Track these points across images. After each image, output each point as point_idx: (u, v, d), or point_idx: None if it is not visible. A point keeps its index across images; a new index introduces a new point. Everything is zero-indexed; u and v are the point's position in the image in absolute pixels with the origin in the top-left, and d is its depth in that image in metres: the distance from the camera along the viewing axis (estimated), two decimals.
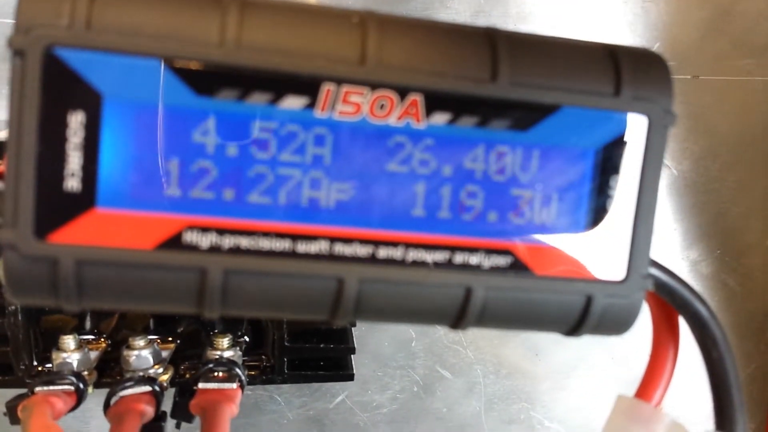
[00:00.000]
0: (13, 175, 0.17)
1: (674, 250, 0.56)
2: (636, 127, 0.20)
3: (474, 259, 0.20)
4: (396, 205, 0.19)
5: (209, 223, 0.18)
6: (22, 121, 0.17)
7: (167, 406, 0.36)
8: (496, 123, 0.20)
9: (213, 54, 0.18)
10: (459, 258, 0.20)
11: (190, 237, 0.18)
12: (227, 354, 0.36)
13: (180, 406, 0.36)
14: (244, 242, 0.19)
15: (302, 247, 0.19)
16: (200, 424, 0.32)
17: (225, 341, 0.36)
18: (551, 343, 0.55)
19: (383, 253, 0.19)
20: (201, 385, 0.34)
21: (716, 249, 0.57)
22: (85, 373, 0.34)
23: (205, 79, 0.18)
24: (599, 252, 0.21)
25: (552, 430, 0.57)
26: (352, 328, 0.40)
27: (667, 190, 0.55)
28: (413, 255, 0.20)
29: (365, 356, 0.52)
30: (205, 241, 0.18)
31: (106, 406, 0.33)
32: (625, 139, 0.20)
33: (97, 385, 0.35)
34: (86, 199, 0.18)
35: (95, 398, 0.35)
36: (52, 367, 0.34)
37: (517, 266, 0.20)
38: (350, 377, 0.40)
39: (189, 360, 0.37)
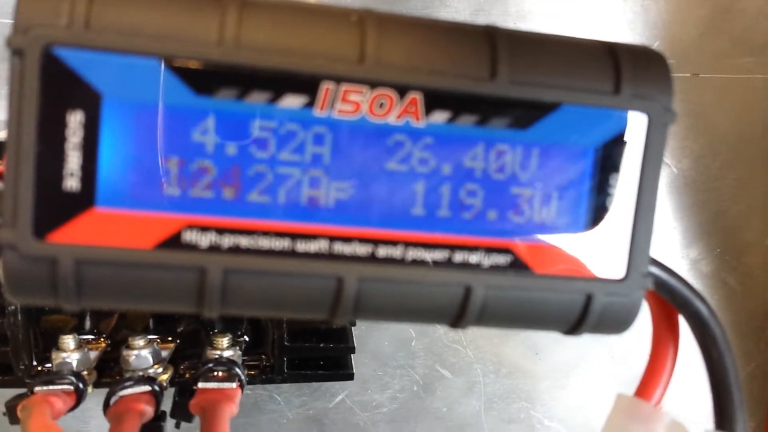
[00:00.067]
0: (13, 175, 0.17)
1: (674, 248, 0.56)
2: (636, 125, 0.20)
3: (473, 258, 0.20)
4: (395, 203, 0.19)
5: (208, 223, 0.18)
6: (21, 120, 0.17)
7: (167, 405, 0.36)
8: (495, 121, 0.20)
9: (212, 53, 0.18)
10: (458, 257, 0.20)
11: (189, 236, 0.18)
12: (227, 353, 0.36)
13: (180, 405, 0.36)
14: (244, 241, 0.19)
15: (302, 246, 0.19)
16: (200, 424, 0.32)
17: (225, 341, 0.36)
18: (551, 342, 0.55)
19: (383, 252, 0.19)
20: (201, 385, 0.34)
21: (716, 247, 0.57)
22: (85, 372, 0.34)
23: (205, 79, 0.18)
24: (599, 250, 0.21)
25: (552, 429, 0.57)
26: (352, 328, 0.40)
27: (666, 188, 0.55)
28: (413, 254, 0.20)
29: (365, 355, 0.52)
30: (205, 240, 0.18)
31: (106, 405, 0.33)
32: (625, 137, 0.20)
33: (97, 385, 0.35)
34: (85, 198, 0.18)
35: (95, 398, 0.35)
36: (51, 366, 0.34)
37: (517, 265, 0.20)
38: (350, 377, 0.40)
39: (188, 359, 0.37)
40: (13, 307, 0.34)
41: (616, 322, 0.21)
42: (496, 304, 0.20)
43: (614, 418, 0.25)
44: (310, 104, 0.19)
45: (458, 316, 0.20)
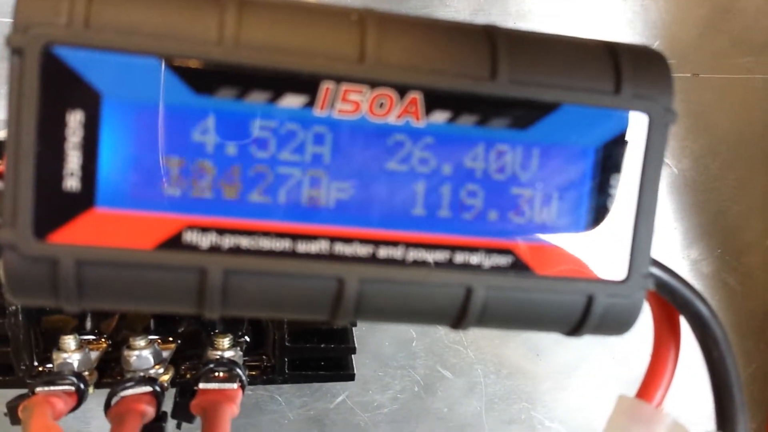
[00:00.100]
0: (12, 175, 0.17)
1: (674, 249, 0.56)
2: (636, 125, 0.20)
3: (474, 259, 0.20)
4: (396, 204, 0.19)
5: (209, 223, 0.18)
6: (20, 120, 0.17)
7: (168, 406, 0.36)
8: (495, 121, 0.20)
9: (212, 52, 0.18)
10: (459, 257, 0.20)
11: (190, 237, 0.18)
12: (228, 354, 0.36)
13: (181, 406, 0.36)
14: (244, 242, 0.19)
15: (302, 247, 0.19)
16: (201, 425, 0.32)
17: (225, 341, 0.36)
18: (552, 343, 0.55)
19: (383, 252, 0.19)
20: (201, 386, 0.34)
21: (717, 248, 0.57)
22: (86, 373, 0.34)
23: (204, 78, 0.18)
24: (600, 251, 0.21)
25: (553, 430, 0.57)
26: (353, 328, 0.40)
27: (667, 188, 0.55)
28: (413, 255, 0.20)
29: (366, 356, 0.52)
30: (205, 240, 0.18)
31: (107, 406, 0.33)
32: (626, 137, 0.20)
33: (98, 386, 0.35)
34: (86, 198, 0.18)
35: (96, 398, 0.34)
36: (52, 367, 0.34)
37: (518, 266, 0.20)
38: (351, 377, 0.40)
39: (189, 360, 0.37)
40: (13, 308, 0.34)
41: (618, 323, 0.21)
42: (497, 305, 0.20)
43: (615, 419, 0.25)
44: (310, 104, 0.19)
45: (459, 317, 0.20)
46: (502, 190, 0.20)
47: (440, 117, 0.19)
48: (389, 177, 0.19)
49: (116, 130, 0.18)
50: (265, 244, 0.19)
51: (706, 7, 0.53)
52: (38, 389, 0.32)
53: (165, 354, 0.36)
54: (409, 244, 0.20)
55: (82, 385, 0.33)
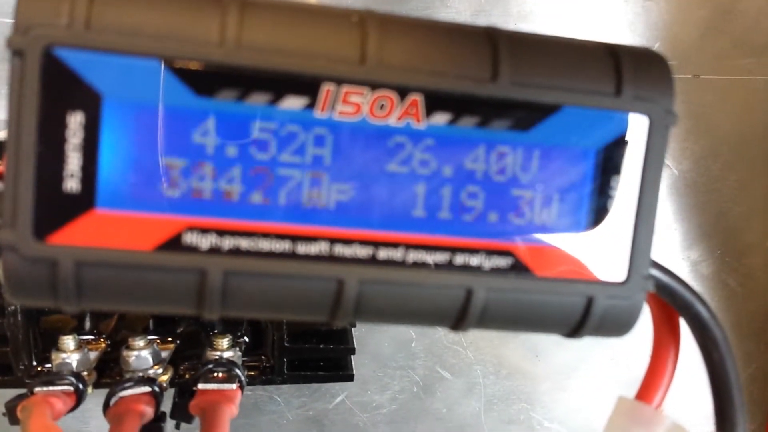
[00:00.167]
0: (13, 176, 0.17)
1: (675, 250, 0.56)
2: (637, 127, 0.20)
3: (475, 260, 0.20)
4: (396, 205, 0.19)
5: (209, 224, 0.18)
6: (21, 121, 0.17)
7: (167, 406, 0.36)
8: (496, 123, 0.20)
9: (213, 54, 0.18)
10: (459, 259, 0.20)
11: (189, 238, 0.18)
12: (227, 354, 0.36)
13: (179, 406, 0.36)
14: (244, 243, 0.19)
15: (302, 249, 0.19)
16: (200, 425, 0.32)
17: (224, 342, 0.36)
18: (551, 343, 0.55)
19: (383, 254, 0.19)
20: (200, 386, 0.34)
21: (717, 249, 0.57)
22: (85, 373, 0.34)
23: (205, 80, 0.18)
24: (600, 253, 0.21)
25: (552, 430, 0.57)
26: (352, 329, 0.40)
27: (667, 190, 0.55)
28: (413, 256, 0.20)
29: (365, 357, 0.52)
30: (205, 242, 0.18)
31: (106, 406, 0.33)
32: (626, 139, 0.20)
33: (97, 386, 0.35)
34: (86, 200, 0.18)
35: (95, 398, 0.34)
36: (51, 367, 0.34)
37: (518, 267, 0.20)
38: (350, 378, 0.40)
39: (188, 360, 0.37)
40: (13, 308, 0.34)
41: (618, 325, 0.21)
42: (497, 306, 0.20)
43: (615, 420, 0.25)
44: (311, 105, 0.19)
45: (459, 318, 0.20)
46: (502, 192, 0.20)
47: (441, 119, 0.19)
48: (390, 179, 0.19)
49: (117, 132, 0.18)
50: (265, 245, 0.19)
51: (707, 9, 0.53)
52: (37, 389, 0.32)
53: (164, 354, 0.36)
54: (410, 246, 0.20)
55: (80, 385, 0.33)
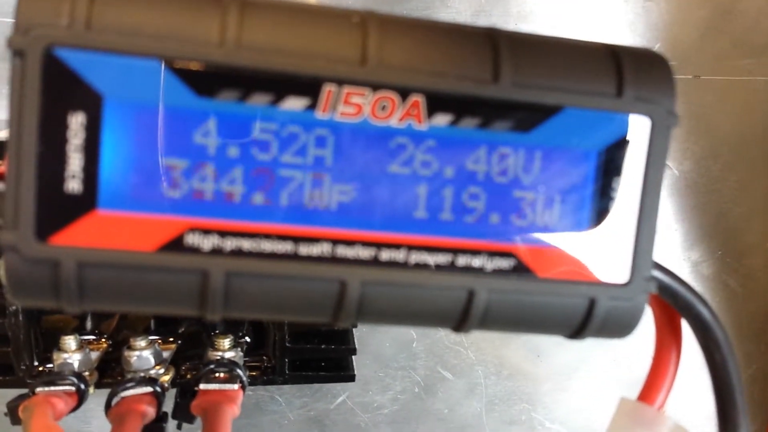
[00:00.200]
0: (14, 177, 0.17)
1: (675, 251, 0.56)
2: (638, 128, 0.20)
3: (476, 262, 0.20)
4: (398, 207, 0.19)
5: (211, 225, 0.18)
6: (22, 122, 0.17)
7: (168, 406, 0.36)
8: (498, 124, 0.20)
9: (213, 54, 0.18)
10: (461, 260, 0.20)
11: (191, 239, 0.18)
12: (228, 355, 0.36)
13: (181, 406, 0.36)
14: (246, 244, 0.19)
15: (304, 250, 0.19)
16: (201, 425, 0.32)
17: (226, 342, 0.36)
18: (553, 344, 0.55)
19: (385, 255, 0.19)
20: (202, 386, 0.34)
21: (717, 250, 0.57)
22: (86, 373, 0.34)
23: (206, 80, 0.18)
24: (602, 254, 0.20)
25: (553, 431, 0.57)
26: (354, 329, 0.40)
27: (668, 190, 0.55)
28: (415, 257, 0.20)
29: (366, 357, 0.52)
30: (207, 243, 0.18)
31: (108, 406, 0.33)
32: (628, 140, 0.20)
33: (98, 386, 0.35)
34: (87, 200, 0.18)
35: (96, 398, 0.34)
36: (53, 367, 0.34)
37: (520, 269, 0.20)
38: (351, 378, 0.40)
39: (190, 360, 0.37)
40: (14, 308, 0.34)
41: (620, 326, 0.21)
42: (499, 308, 0.20)
43: (617, 422, 0.25)
44: (312, 106, 0.19)
45: (461, 320, 0.20)
46: (504, 193, 0.20)
47: (442, 120, 0.19)
48: (391, 180, 0.19)
49: (118, 132, 0.18)
50: (267, 246, 0.19)
51: (707, 9, 0.53)
52: (39, 389, 0.32)
53: (165, 354, 0.36)
54: (411, 247, 0.20)
55: (82, 386, 0.33)
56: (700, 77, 0.53)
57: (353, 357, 0.40)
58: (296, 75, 0.18)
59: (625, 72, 0.20)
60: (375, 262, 0.19)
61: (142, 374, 0.34)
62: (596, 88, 0.20)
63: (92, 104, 0.18)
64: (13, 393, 0.34)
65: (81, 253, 0.18)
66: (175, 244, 0.18)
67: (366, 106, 0.19)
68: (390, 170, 0.19)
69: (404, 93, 0.19)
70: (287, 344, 0.38)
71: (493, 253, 0.20)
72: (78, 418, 0.48)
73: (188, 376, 0.37)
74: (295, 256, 0.19)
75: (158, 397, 0.34)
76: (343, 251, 0.19)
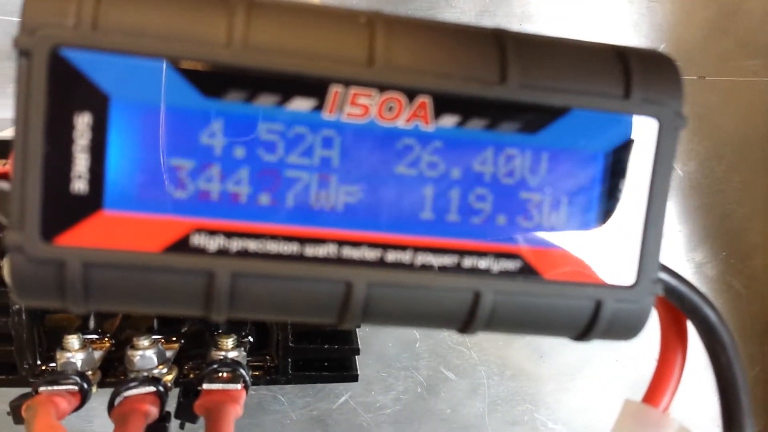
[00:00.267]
0: (20, 177, 0.17)
1: (679, 251, 0.56)
2: (646, 130, 0.20)
3: (483, 263, 0.20)
4: (404, 208, 0.19)
5: (217, 226, 0.18)
6: (28, 122, 0.17)
7: (171, 406, 0.36)
8: (505, 125, 0.19)
9: (220, 55, 0.18)
10: (468, 262, 0.20)
11: (197, 240, 0.18)
12: (231, 354, 0.36)
13: (184, 406, 0.36)
14: (252, 245, 0.19)
15: (310, 251, 0.19)
16: (204, 425, 0.32)
17: (229, 342, 0.36)
18: (556, 344, 0.55)
19: (391, 256, 0.19)
20: (205, 386, 0.34)
21: (721, 251, 0.57)
22: (89, 372, 0.34)
23: (212, 81, 0.18)
24: (609, 256, 0.20)
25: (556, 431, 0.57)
26: (357, 329, 0.40)
27: (672, 191, 0.54)
28: (422, 259, 0.19)
29: (369, 357, 0.52)
30: (213, 244, 0.18)
31: (110, 406, 0.33)
32: (635, 142, 0.20)
33: (101, 385, 0.35)
34: (93, 201, 0.18)
35: (99, 398, 0.34)
36: (56, 366, 0.34)
37: (526, 270, 0.20)
38: (354, 378, 0.40)
39: (193, 360, 0.37)
40: (17, 307, 0.34)
41: (626, 328, 0.21)
42: (506, 309, 0.20)
43: (622, 423, 0.25)
44: (319, 107, 0.19)
45: (467, 321, 0.20)
46: (510, 195, 0.20)
47: (449, 121, 0.19)
48: (398, 181, 0.19)
49: (124, 133, 0.18)
50: (273, 247, 0.19)
51: (712, 9, 0.53)
52: (41, 388, 0.32)
53: (168, 354, 0.36)
54: (418, 248, 0.19)
55: (85, 385, 0.33)
56: (704, 78, 0.53)
57: (356, 357, 0.40)
58: (303, 76, 0.18)
59: (633, 73, 0.20)
60: (381, 263, 0.19)
61: (145, 374, 0.34)
62: (604, 90, 0.20)
63: (98, 105, 0.17)
64: (16, 392, 0.34)
65: (86, 254, 0.18)
66: (181, 245, 0.18)
67: (373, 107, 0.19)
68: (396, 171, 0.19)
69: (411, 94, 0.19)
70: (290, 344, 0.38)
71: (499, 255, 0.20)
72: (81, 417, 0.48)
73: (191, 376, 0.37)
74: (301, 257, 0.19)
75: (161, 397, 0.34)
76: (349, 252, 0.19)
